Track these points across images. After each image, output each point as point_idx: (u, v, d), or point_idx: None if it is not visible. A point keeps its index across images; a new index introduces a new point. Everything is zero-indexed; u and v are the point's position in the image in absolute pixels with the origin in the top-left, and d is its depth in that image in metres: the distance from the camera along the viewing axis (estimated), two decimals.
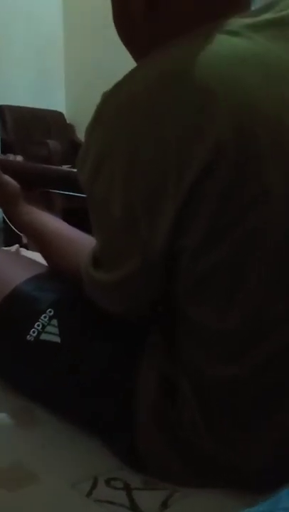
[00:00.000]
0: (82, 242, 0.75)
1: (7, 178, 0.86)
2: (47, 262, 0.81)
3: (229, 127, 0.49)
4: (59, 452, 0.69)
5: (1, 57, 3.57)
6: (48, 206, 0.91)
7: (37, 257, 0.90)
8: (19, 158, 0.94)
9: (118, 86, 0.54)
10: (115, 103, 0.54)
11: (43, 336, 0.69)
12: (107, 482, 0.63)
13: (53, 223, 0.82)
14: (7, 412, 0.76)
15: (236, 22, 0.52)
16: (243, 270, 0.53)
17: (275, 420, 0.58)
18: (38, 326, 0.70)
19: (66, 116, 4.13)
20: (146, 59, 0.54)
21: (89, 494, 0.61)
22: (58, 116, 4.06)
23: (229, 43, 0.51)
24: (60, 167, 0.93)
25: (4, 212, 0.89)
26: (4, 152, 3.16)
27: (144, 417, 0.62)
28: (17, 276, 0.75)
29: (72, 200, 0.93)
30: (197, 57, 0.50)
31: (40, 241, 0.82)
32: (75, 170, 0.88)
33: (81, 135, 3.74)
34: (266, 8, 0.54)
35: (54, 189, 0.95)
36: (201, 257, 0.53)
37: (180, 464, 0.62)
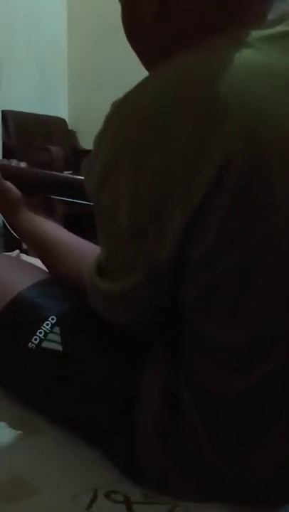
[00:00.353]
0: (85, 250, 0.75)
1: (8, 184, 0.85)
2: (49, 269, 0.80)
3: (239, 138, 0.48)
4: (59, 464, 0.68)
5: (3, 63, 3.58)
6: (49, 212, 0.90)
7: (37, 262, 0.89)
8: (23, 164, 0.93)
9: (127, 96, 0.54)
10: (122, 113, 0.53)
11: (45, 344, 0.69)
12: (107, 495, 0.62)
13: (55, 231, 0.82)
14: (7, 422, 0.75)
15: (249, 34, 0.52)
16: (252, 276, 0.52)
17: (280, 431, 0.57)
18: (40, 333, 0.69)
19: (68, 122, 4.14)
20: (155, 69, 0.53)
21: (89, 507, 0.60)
22: (60, 122, 4.07)
23: (241, 55, 0.50)
24: (62, 173, 0.92)
25: (5, 218, 0.88)
26: (6, 157, 3.16)
27: (145, 424, 0.61)
28: (20, 283, 0.75)
29: (74, 206, 0.92)
30: (208, 69, 0.50)
31: (41, 248, 0.81)
32: (77, 176, 0.88)
33: (83, 142, 3.76)
34: (279, 21, 0.54)
35: (56, 195, 0.94)
36: (210, 264, 0.53)
37: (180, 475, 0.60)
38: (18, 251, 1.48)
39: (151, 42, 0.59)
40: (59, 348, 0.68)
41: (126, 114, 0.53)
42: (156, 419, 0.61)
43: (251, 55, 0.51)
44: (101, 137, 0.55)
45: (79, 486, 0.63)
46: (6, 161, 0.92)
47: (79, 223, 1.02)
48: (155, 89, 0.51)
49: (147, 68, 0.61)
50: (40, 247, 0.81)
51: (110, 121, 0.54)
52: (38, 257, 0.84)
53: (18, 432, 0.73)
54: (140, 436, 0.62)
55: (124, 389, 0.64)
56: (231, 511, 0.59)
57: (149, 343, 0.66)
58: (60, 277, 0.76)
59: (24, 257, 1.33)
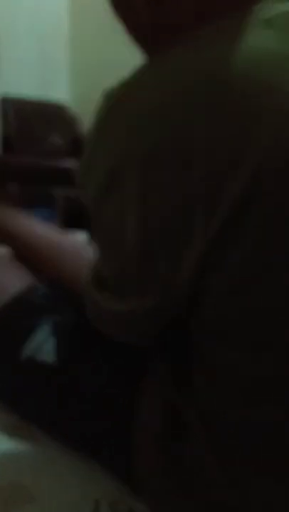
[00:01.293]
0: (70, 250, 0.70)
1: None
2: (38, 272, 0.74)
3: (270, 147, 0.41)
4: (59, 472, 0.65)
5: (2, 47, 3.53)
6: (51, 207, 0.86)
7: None
8: None
9: (128, 87, 0.46)
10: (127, 111, 0.45)
11: (39, 355, 0.65)
12: (110, 505, 0.60)
13: (38, 229, 0.76)
14: (6, 429, 0.72)
15: (271, 7, 0.44)
16: (282, 308, 0.46)
17: None
18: (34, 343, 0.65)
19: (70, 109, 4.11)
20: (161, 57, 0.45)
21: None
22: (61, 108, 4.04)
23: (265, 39, 0.43)
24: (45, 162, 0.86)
25: None
26: (6, 145, 3.13)
27: (145, 445, 0.58)
28: (14, 285, 0.70)
29: (76, 201, 0.87)
30: (230, 58, 0.42)
31: (25, 250, 0.75)
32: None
33: (85, 129, 3.73)
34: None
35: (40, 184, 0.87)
36: (236, 292, 0.46)
37: (182, 497, 0.57)
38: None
39: (147, 29, 0.52)
40: (54, 359, 0.64)
41: (133, 113, 0.45)
42: (157, 441, 0.57)
43: (276, 39, 0.43)
44: (98, 137, 0.47)
45: (80, 496, 0.61)
46: None
47: (82, 218, 0.98)
48: (166, 83, 0.44)
49: (148, 54, 0.54)
50: (23, 248, 0.75)
51: (110, 118, 0.46)
52: (18, 259, 0.76)
53: (17, 438, 0.71)
54: (139, 455, 0.58)
55: (121, 404, 0.60)
56: None
57: (149, 356, 0.61)
58: (53, 280, 0.72)
59: None
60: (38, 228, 0.76)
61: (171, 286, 0.48)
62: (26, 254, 0.75)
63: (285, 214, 0.43)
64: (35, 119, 3.80)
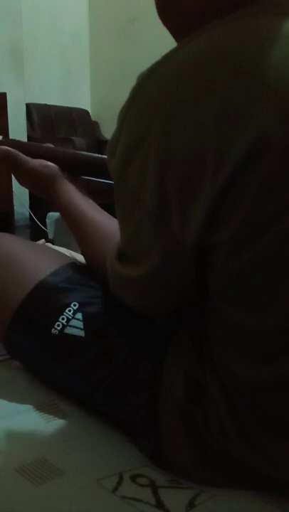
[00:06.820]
0: (113, 235, 0.74)
1: (36, 161, 0.84)
2: (80, 249, 0.80)
3: (276, 113, 0.46)
4: (84, 447, 0.69)
5: (26, 56, 3.60)
6: None
7: (62, 250, 0.90)
8: (49, 145, 0.94)
9: (156, 66, 0.51)
10: (151, 84, 0.51)
11: (68, 330, 0.70)
12: (133, 479, 0.62)
13: (88, 208, 0.81)
14: (34, 405, 0.76)
15: (283, 2, 0.50)
16: (285, 264, 0.50)
17: None
18: (63, 319, 0.70)
19: (91, 113, 4.15)
20: (185, 41, 0.51)
21: (114, 490, 0.61)
22: (83, 113, 4.09)
23: (277, 25, 0.48)
24: (93, 154, 0.90)
25: (41, 194, 0.87)
26: None
27: (170, 413, 0.61)
28: (43, 269, 0.75)
29: (97, 196, 0.91)
30: (244, 39, 0.48)
31: (73, 226, 0.81)
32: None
33: (105, 132, 3.78)
34: None
35: (86, 176, 0.93)
36: (241, 250, 0.50)
37: (205, 463, 0.60)
38: (43, 240, 1.50)
39: (188, 17, 0.56)
40: (81, 334, 0.69)
41: (156, 85, 0.50)
42: (180, 408, 0.61)
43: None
44: (126, 111, 0.53)
45: (105, 470, 0.64)
46: (33, 143, 0.92)
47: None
48: (189, 59, 0.49)
49: (178, 41, 0.58)
50: (72, 223, 0.80)
51: (137, 93, 0.52)
52: (72, 232, 0.83)
53: (45, 414, 0.75)
54: (165, 425, 0.62)
55: (146, 377, 0.64)
56: (257, 497, 0.59)
57: (170, 331, 0.65)
58: (87, 259, 0.77)
59: (50, 246, 1.35)
60: (86, 207, 0.81)
61: (181, 243, 0.52)
62: (71, 227, 0.81)
63: (287, 172, 0.47)
64: (58, 123, 3.87)
